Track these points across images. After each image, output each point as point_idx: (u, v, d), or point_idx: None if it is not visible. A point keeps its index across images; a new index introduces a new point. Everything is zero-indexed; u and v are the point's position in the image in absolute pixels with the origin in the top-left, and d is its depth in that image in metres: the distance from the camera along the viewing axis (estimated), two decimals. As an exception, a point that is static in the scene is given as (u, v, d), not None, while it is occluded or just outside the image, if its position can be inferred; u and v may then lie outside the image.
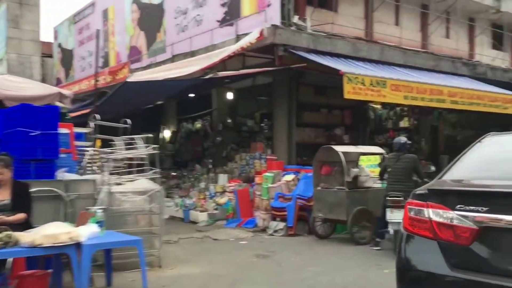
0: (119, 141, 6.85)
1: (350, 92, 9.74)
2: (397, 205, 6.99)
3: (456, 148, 16.78)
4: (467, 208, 2.78)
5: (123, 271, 5.79)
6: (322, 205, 8.51)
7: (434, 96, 11.29)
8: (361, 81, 9.99)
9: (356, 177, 8.71)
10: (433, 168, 12.95)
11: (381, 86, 10.35)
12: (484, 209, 2.72)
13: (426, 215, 2.93)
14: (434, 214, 2.90)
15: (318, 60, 10.72)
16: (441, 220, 2.87)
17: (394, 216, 6.98)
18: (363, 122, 14.00)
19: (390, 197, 7.12)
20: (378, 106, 14.49)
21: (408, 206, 3.11)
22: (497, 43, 20.27)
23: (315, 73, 11.60)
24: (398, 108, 14.67)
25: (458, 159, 3.49)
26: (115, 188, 6.42)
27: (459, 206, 2.81)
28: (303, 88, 12.65)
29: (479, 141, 3.66)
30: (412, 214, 3.05)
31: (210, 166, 13.50)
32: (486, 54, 19.06)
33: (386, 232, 7.29)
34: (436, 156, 15.99)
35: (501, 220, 2.67)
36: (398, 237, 6.99)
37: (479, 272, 2.71)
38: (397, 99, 10.74)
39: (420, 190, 3.11)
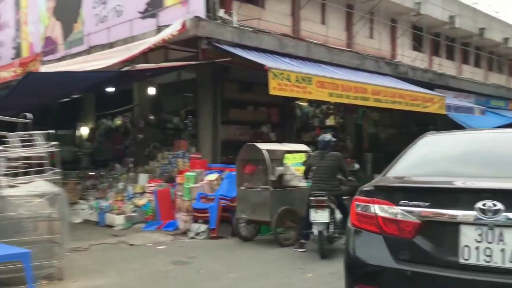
0: (14, 137, 5.96)
1: (275, 88, 9.35)
2: (321, 205, 6.66)
3: (379, 146, 17.06)
4: (410, 203, 2.89)
5: (13, 286, 4.96)
6: (246, 206, 8.03)
7: (358, 94, 11.18)
8: (287, 77, 9.63)
9: (281, 176, 8.33)
10: (357, 166, 12.92)
11: (307, 82, 10.06)
12: (426, 204, 2.84)
13: (372, 211, 3.02)
14: (380, 209, 2.99)
15: (243, 54, 10.25)
16: (386, 215, 2.96)
17: (319, 216, 6.65)
18: (290, 120, 13.74)
19: (314, 196, 6.77)
20: (305, 104, 14.32)
21: (355, 203, 3.18)
22: (417, 44, 20.91)
23: (241, 68, 11.14)
24: (324, 106, 14.56)
25: (400, 156, 3.62)
26: (8, 192, 5.55)
27: (402, 201, 2.92)
28: (228, 84, 12.14)
29: (418, 140, 3.82)
30: (359, 210, 3.12)
31: (131, 165, 12.64)
32: (407, 55, 19.56)
33: (311, 233, 6.94)
34: (361, 153, 16.11)
35: (441, 214, 2.81)
36: (322, 237, 6.79)
37: (422, 264, 2.83)
38: (322, 96, 10.50)
39: (367, 187, 3.17)
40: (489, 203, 2.69)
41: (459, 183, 3.09)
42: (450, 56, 23.14)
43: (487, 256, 2.70)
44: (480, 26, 22.67)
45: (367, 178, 14.75)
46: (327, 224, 6.74)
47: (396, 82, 13.76)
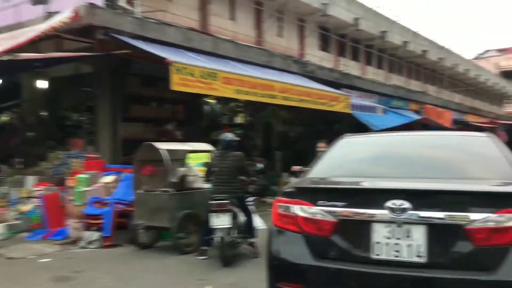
0: None
1: (178, 83, 8.70)
2: (222, 209, 6.15)
3: (288, 144, 16.93)
4: (328, 203, 3.04)
5: None
6: (144, 211, 7.31)
7: (266, 91, 10.85)
8: (191, 72, 9.02)
9: (183, 178, 7.71)
10: (260, 166, 12.60)
11: (212, 78, 9.51)
12: (342, 204, 2.99)
13: (293, 211, 3.14)
14: (300, 210, 3.12)
15: (144, 47, 9.47)
16: (305, 215, 3.09)
17: (220, 221, 6.13)
18: (197, 117, 13.12)
19: (214, 200, 6.24)
20: (213, 101, 13.78)
21: (277, 204, 3.27)
22: (325, 45, 21.23)
23: (144, 62, 10.33)
24: (233, 104, 14.11)
25: (319, 158, 3.84)
26: None
27: (321, 202, 3.06)
28: (130, 79, 11.26)
29: (336, 142, 4.03)
30: (281, 210, 3.23)
31: (20, 166, 11.30)
32: (315, 55, 19.76)
33: (212, 239, 6.40)
34: (270, 152, 15.91)
35: (355, 213, 2.97)
36: (224, 244, 6.28)
37: (339, 260, 2.99)
38: (228, 93, 10.02)
39: (288, 189, 3.32)
40: (397, 202, 2.85)
41: (371, 184, 3.27)
42: (355, 57, 23.84)
43: (396, 251, 2.86)
44: (382, 29, 23.57)
45: (276, 176, 14.63)
46: (229, 229, 6.24)
47: (304, 80, 13.66)
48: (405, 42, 25.55)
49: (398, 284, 2.84)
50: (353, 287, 2.95)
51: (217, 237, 6.21)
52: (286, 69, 14.13)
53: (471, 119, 28.35)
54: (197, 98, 12.46)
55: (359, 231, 2.95)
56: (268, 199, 13.54)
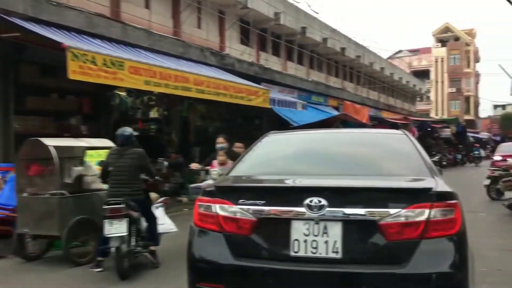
0: None
1: (76, 71, 7.72)
2: (118, 215, 5.32)
3: (208, 140, 16.21)
4: (248, 202, 3.02)
5: None
6: (28, 217, 6.28)
7: (179, 83, 10.07)
8: (92, 60, 8.05)
9: (79, 178, 6.77)
10: (165, 164, 11.79)
11: (118, 67, 8.59)
12: (262, 202, 2.99)
13: (214, 211, 3.10)
14: (221, 209, 3.08)
15: (37, 30, 8.33)
16: (226, 214, 3.06)
17: (115, 228, 5.30)
18: (105, 111, 12.03)
19: (109, 204, 5.39)
20: (124, 93, 12.71)
21: (198, 203, 3.23)
22: (245, 39, 20.69)
23: (40, 48, 9.17)
24: (146, 97, 13.13)
25: (243, 156, 3.82)
26: None
27: (241, 200, 3.03)
28: (25, 67, 9.99)
29: (260, 140, 3.99)
30: (202, 210, 3.19)
31: None
32: (235, 48, 19.16)
33: (108, 249, 5.55)
34: (187, 148, 15.12)
35: (274, 211, 2.98)
36: (121, 254, 5.44)
37: (259, 259, 2.98)
38: (137, 83, 9.14)
39: (209, 188, 3.29)
40: (315, 199, 2.89)
41: (291, 182, 3.30)
42: (276, 52, 23.55)
43: (313, 248, 2.89)
44: (302, 25, 23.49)
45: (193, 173, 13.88)
46: (127, 237, 5.43)
47: (222, 73, 13.02)
48: (325, 39, 25.71)
49: (316, 280, 2.88)
50: (273, 285, 2.94)
51: (112, 247, 5.37)
52: (203, 62, 13.42)
53: (386, 115, 29.26)
54: (106, 90, 11.38)
55: (278, 229, 2.97)
56: (184, 198, 12.77)
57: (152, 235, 5.92)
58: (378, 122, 27.87)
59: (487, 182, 12.91)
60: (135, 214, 5.61)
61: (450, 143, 34.79)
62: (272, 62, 20.96)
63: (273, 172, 3.51)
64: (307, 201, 2.89)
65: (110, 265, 5.75)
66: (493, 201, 12.62)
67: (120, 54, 9.30)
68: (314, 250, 2.88)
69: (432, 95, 62.48)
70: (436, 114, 55.53)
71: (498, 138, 62.02)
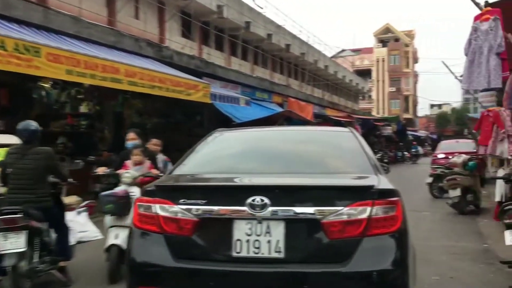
0: None
1: (-21, 57, 6.60)
2: (14, 226, 4.37)
3: (145, 137, 15.16)
4: (189, 201, 2.91)
5: None
6: None
7: (108, 74, 9.06)
8: (0, 44, 6.95)
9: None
10: (82, 164, 10.76)
11: (33, 54, 7.51)
12: (203, 202, 2.89)
13: (154, 211, 2.97)
14: (161, 209, 2.96)
15: None
16: (166, 214, 2.94)
17: (10, 243, 4.34)
18: (25, 104, 10.78)
19: (2, 214, 4.41)
20: (48, 85, 11.50)
21: (138, 203, 3.11)
22: (187, 31, 19.76)
23: None
24: (73, 89, 11.98)
25: (187, 154, 3.70)
26: None
27: (182, 200, 2.92)
28: None
29: (207, 137, 3.95)
30: (141, 210, 3.06)
31: None
32: (176, 41, 18.21)
33: (5, 268, 4.57)
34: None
35: (216, 211, 2.88)
36: (19, 274, 4.27)
37: (200, 260, 2.87)
38: (57, 73, 8.08)
39: (149, 187, 3.17)
40: (257, 198, 2.80)
41: (233, 181, 3.19)
42: (219, 47, 22.81)
43: (256, 248, 2.81)
44: (246, 20, 22.87)
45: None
46: (27, 252, 4.48)
47: (159, 65, 12.08)
48: (269, 35, 25.24)
49: (258, 281, 2.82)
50: (214, 286, 2.83)
51: (8, 265, 4.40)
52: (138, 52, 12.41)
53: (330, 113, 29.23)
54: (27, 81, 10.19)
55: (220, 229, 2.89)
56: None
57: (62, 248, 5.00)
58: (322, 120, 27.77)
59: (430, 180, 12.79)
60: (38, 224, 4.66)
61: (391, 141, 35.42)
62: (215, 57, 20.16)
63: (218, 170, 3.43)
64: (249, 200, 2.81)
65: (6, 286, 4.77)
66: (435, 199, 12.51)
67: (38, 39, 8.20)
68: (256, 250, 2.81)
69: (373, 94, 63.90)
70: (378, 113, 56.76)
71: (435, 136, 64.50)
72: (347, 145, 3.70)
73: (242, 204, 2.81)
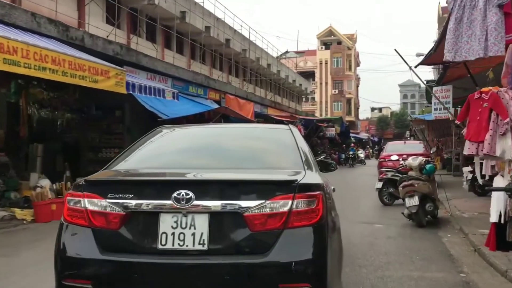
0: None
1: None
2: None
3: (54, 134, 12.57)
4: (117, 196, 2.94)
5: None
6: None
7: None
8: None
9: None
10: None
11: None
12: (130, 196, 2.92)
13: (82, 205, 3.01)
14: (89, 203, 2.99)
15: None
16: (95, 208, 2.97)
17: None
18: None
19: None
20: None
21: (67, 198, 3.15)
22: (112, 18, 17.24)
23: None
24: None
25: (127, 149, 3.80)
26: None
27: (110, 194, 2.95)
28: None
29: (149, 133, 4.03)
30: (71, 205, 3.08)
31: None
32: (99, 27, 15.69)
33: None
34: (19, 144, 11.51)
35: (142, 204, 2.91)
36: None
37: (127, 253, 2.89)
38: None
39: (79, 181, 3.17)
40: (183, 192, 2.85)
41: (160, 176, 3.27)
42: (152, 38, 20.43)
43: (180, 240, 2.85)
44: (181, 9, 20.66)
45: (17, 177, 10.40)
46: None
47: (63, 47, 9.73)
48: (208, 27, 23.13)
49: (182, 273, 2.86)
50: (140, 278, 2.83)
51: None
52: (37, 31, 10.02)
53: (272, 112, 27.57)
54: None
55: (147, 222, 2.92)
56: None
57: None
58: (264, 119, 26.03)
59: (379, 185, 11.22)
60: None
61: (334, 143, 34.27)
62: (146, 48, 17.76)
63: (153, 166, 3.51)
64: (175, 194, 2.85)
65: None
66: (386, 206, 10.96)
67: None
68: (181, 243, 2.85)
69: (316, 96, 63.32)
70: (321, 115, 56.05)
71: (376, 139, 64.83)
72: (283, 142, 3.80)
73: (168, 198, 2.86)
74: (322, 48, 64.28)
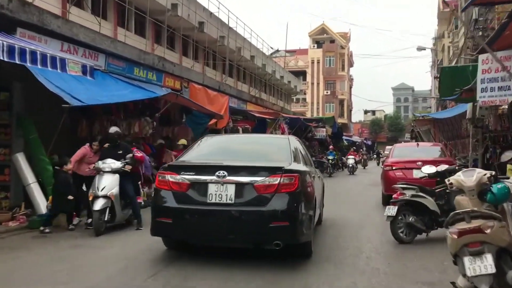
0: None
1: None
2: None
3: None
4: (185, 173, 5.63)
5: None
6: None
7: None
8: None
9: None
10: None
11: None
12: (192, 174, 5.62)
13: (166, 178, 5.69)
14: (170, 177, 5.67)
15: None
16: (173, 180, 5.65)
17: None
18: None
19: None
20: None
21: (159, 174, 5.88)
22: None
23: None
24: None
25: (187, 150, 6.79)
26: None
27: (182, 172, 5.65)
28: None
29: (199, 140, 7.12)
30: (160, 178, 5.78)
31: None
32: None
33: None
34: None
35: (199, 178, 5.59)
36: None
37: (190, 204, 5.54)
38: None
39: (165, 166, 6.11)
40: (221, 172, 5.48)
41: (208, 163, 5.92)
42: (103, 16, 15.96)
43: (219, 198, 5.46)
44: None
45: None
46: None
47: None
48: (174, 5, 18.70)
49: (220, 214, 5.44)
50: (198, 218, 5.50)
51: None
52: None
53: (252, 109, 23.25)
54: None
55: (201, 188, 5.52)
56: None
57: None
58: (243, 117, 21.65)
59: (392, 211, 6.87)
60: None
61: (325, 145, 29.76)
62: (92, 23, 13.25)
63: (203, 158, 6.24)
64: (216, 172, 5.48)
65: None
66: (403, 245, 6.63)
67: None
68: (219, 199, 5.45)
69: (308, 96, 59.11)
70: (312, 116, 51.77)
71: (369, 142, 60.46)
72: (281, 146, 6.56)
73: (213, 175, 5.48)
74: (314, 46, 60.09)
